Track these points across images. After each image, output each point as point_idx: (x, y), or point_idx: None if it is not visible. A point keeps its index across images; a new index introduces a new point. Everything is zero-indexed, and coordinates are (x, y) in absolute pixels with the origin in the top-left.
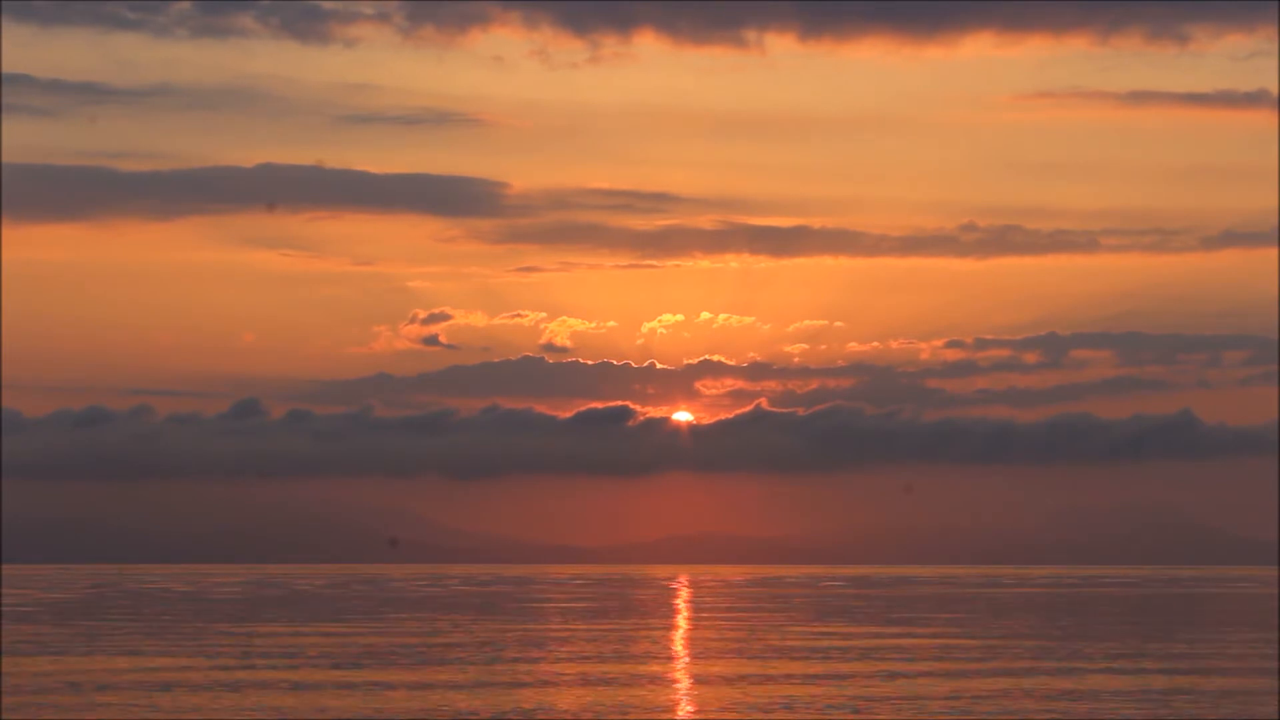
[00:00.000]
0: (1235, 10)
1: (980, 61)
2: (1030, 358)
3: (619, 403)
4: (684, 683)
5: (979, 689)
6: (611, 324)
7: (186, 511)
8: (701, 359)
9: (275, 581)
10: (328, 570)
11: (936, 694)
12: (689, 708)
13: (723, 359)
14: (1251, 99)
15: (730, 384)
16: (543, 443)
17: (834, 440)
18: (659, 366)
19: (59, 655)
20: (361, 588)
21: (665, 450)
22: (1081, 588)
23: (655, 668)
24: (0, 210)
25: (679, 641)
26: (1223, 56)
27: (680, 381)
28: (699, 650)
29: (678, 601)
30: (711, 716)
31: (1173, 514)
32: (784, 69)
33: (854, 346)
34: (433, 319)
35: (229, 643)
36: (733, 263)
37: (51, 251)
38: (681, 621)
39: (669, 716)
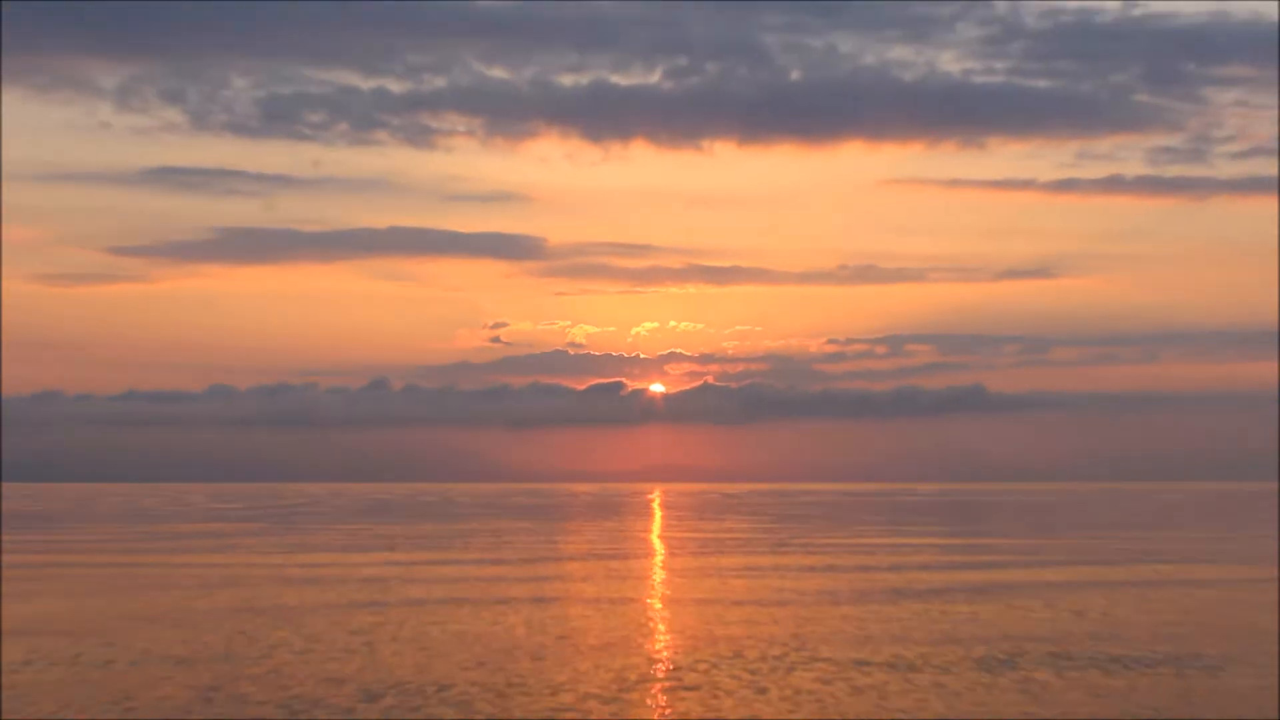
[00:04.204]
0: (1018, 127)
1: (855, 159)
2: (881, 350)
3: (616, 379)
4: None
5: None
6: (611, 329)
7: (335, 451)
8: (670, 351)
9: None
10: (427, 488)
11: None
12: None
13: (683, 351)
14: (1024, 184)
15: (688, 368)
16: (566, 405)
17: (754, 404)
18: (642, 356)
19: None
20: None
21: (646, 410)
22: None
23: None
24: (226, 259)
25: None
26: (1008, 157)
27: (655, 365)
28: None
29: (653, 505)
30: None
31: (966, 449)
32: (728, 165)
33: (768, 343)
34: (497, 326)
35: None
36: (691, 290)
37: (257, 284)
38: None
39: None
